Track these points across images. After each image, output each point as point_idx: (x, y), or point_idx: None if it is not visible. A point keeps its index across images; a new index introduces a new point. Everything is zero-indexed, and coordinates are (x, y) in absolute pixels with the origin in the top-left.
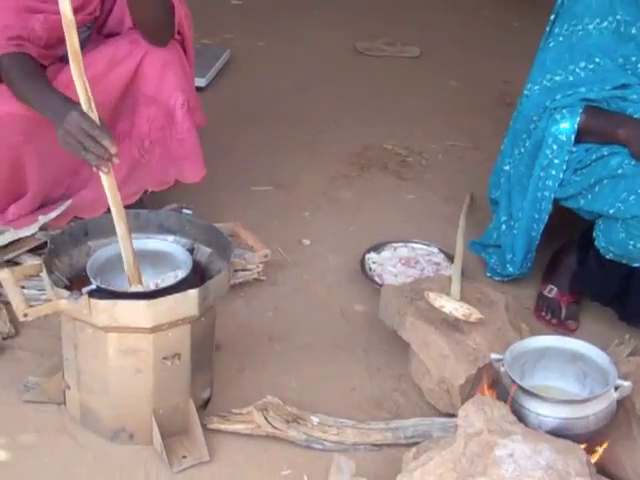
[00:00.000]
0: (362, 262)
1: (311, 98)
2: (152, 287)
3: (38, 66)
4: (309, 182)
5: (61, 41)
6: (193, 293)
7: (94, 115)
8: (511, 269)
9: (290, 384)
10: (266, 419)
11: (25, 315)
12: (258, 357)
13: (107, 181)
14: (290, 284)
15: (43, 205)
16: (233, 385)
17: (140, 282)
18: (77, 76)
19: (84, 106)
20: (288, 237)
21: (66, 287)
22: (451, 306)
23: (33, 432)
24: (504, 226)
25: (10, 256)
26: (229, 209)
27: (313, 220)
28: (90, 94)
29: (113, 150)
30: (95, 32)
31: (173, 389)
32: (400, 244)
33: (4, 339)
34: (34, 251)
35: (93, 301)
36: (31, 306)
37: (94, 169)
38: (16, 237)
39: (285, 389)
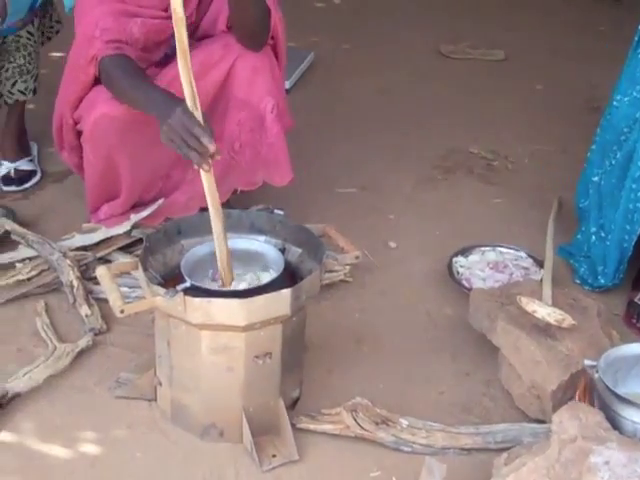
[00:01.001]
0: (449, 265)
1: (395, 101)
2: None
3: (138, 66)
4: (394, 185)
5: (158, 45)
6: (286, 293)
7: (198, 113)
8: (603, 281)
9: (378, 386)
10: (355, 420)
11: (122, 311)
12: (346, 359)
13: (207, 179)
14: (377, 286)
15: (135, 206)
16: (321, 386)
17: (232, 280)
18: (184, 72)
19: (189, 103)
20: (374, 239)
21: (160, 284)
22: (544, 311)
23: (125, 427)
24: (594, 237)
25: (102, 254)
26: (314, 210)
27: (398, 223)
28: (195, 91)
29: (212, 148)
30: (190, 37)
31: (263, 388)
32: (488, 248)
33: (96, 335)
34: (125, 249)
35: (188, 299)
36: (126, 303)
37: (195, 167)
38: (108, 235)
39: (373, 391)
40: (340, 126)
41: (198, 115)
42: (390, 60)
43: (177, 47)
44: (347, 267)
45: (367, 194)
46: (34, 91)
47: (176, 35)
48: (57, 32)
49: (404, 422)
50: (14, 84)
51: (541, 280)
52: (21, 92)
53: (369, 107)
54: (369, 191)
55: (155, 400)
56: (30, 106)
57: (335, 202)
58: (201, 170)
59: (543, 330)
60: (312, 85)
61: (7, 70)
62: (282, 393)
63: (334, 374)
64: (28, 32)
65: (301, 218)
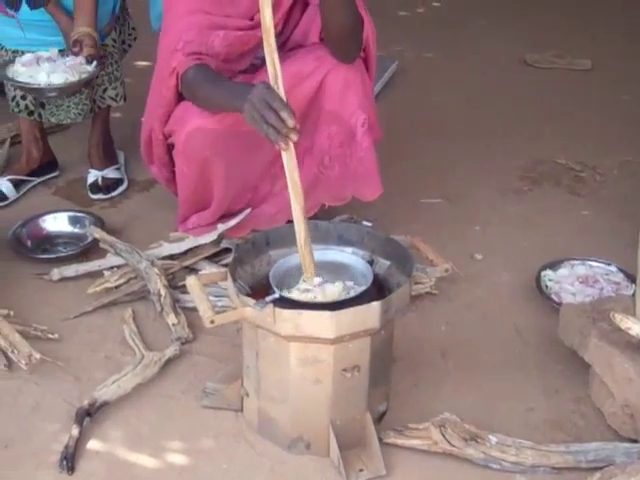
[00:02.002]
0: (537, 279)
1: (480, 110)
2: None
3: (218, 72)
4: (479, 195)
5: (240, 57)
6: (375, 305)
7: (280, 91)
8: None
9: (465, 401)
10: (443, 436)
11: (212, 322)
12: (432, 372)
13: (286, 158)
14: (463, 299)
15: (223, 217)
16: (408, 399)
17: (313, 271)
18: (268, 51)
19: (271, 80)
20: (459, 251)
21: (248, 295)
22: (639, 328)
23: (212, 438)
24: None
25: (188, 263)
26: (399, 221)
27: (484, 234)
28: (278, 69)
29: (290, 123)
30: (278, 46)
31: (351, 401)
32: (577, 262)
33: (183, 344)
34: (211, 258)
35: (278, 310)
36: (217, 313)
37: (275, 146)
38: (195, 244)
39: (460, 406)
40: (424, 135)
41: (280, 93)
42: (474, 69)
43: (262, 25)
44: (433, 279)
45: (452, 205)
46: (124, 98)
47: (261, 13)
48: (135, 39)
49: (493, 439)
50: (105, 90)
51: (633, 295)
52: (112, 99)
53: (453, 116)
54: (454, 201)
55: (241, 411)
56: (116, 115)
57: (419, 212)
58: (282, 150)
59: (637, 347)
60: (395, 94)
61: (97, 77)
62: (369, 407)
63: (420, 388)
64: (113, 39)
65: (385, 228)
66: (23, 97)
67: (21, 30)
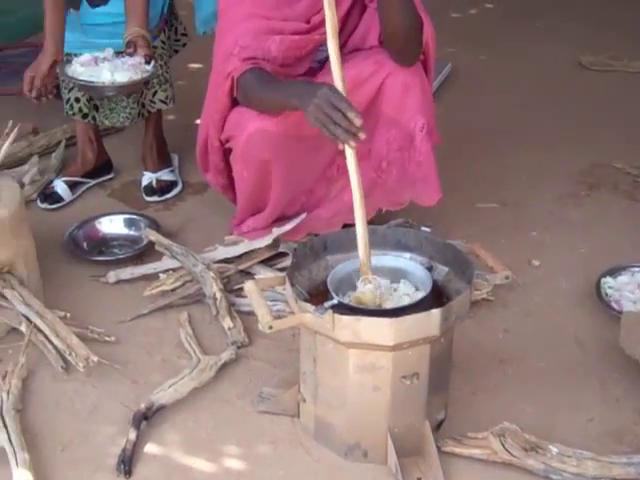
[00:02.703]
0: (597, 286)
1: (535, 113)
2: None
3: (273, 74)
4: (535, 200)
5: (297, 61)
6: (436, 313)
7: (345, 91)
8: None
9: (524, 410)
10: (503, 446)
11: (270, 327)
12: (490, 380)
13: (352, 158)
14: (520, 306)
15: (277, 221)
16: (466, 407)
17: (370, 270)
18: (333, 54)
19: (337, 83)
20: (516, 257)
21: (306, 300)
22: None
23: (269, 443)
24: None
25: (244, 266)
26: (454, 226)
27: (541, 240)
28: (342, 71)
29: (357, 122)
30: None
31: (409, 408)
32: (638, 269)
33: (238, 348)
34: (266, 262)
35: (337, 316)
36: (276, 318)
37: (340, 146)
38: (250, 248)
39: (519, 415)
40: (479, 139)
41: (344, 93)
42: (529, 71)
43: (327, 28)
44: (490, 285)
45: (508, 210)
46: (174, 100)
47: (327, 15)
48: (184, 45)
49: (554, 449)
50: (155, 94)
51: None
52: (162, 101)
53: (508, 120)
54: (510, 207)
55: (298, 416)
56: (169, 117)
57: (476, 217)
58: (346, 149)
59: None
60: (449, 97)
61: None
62: (428, 414)
63: (478, 396)
64: (162, 41)
65: (440, 233)
66: (77, 100)
67: (80, 32)
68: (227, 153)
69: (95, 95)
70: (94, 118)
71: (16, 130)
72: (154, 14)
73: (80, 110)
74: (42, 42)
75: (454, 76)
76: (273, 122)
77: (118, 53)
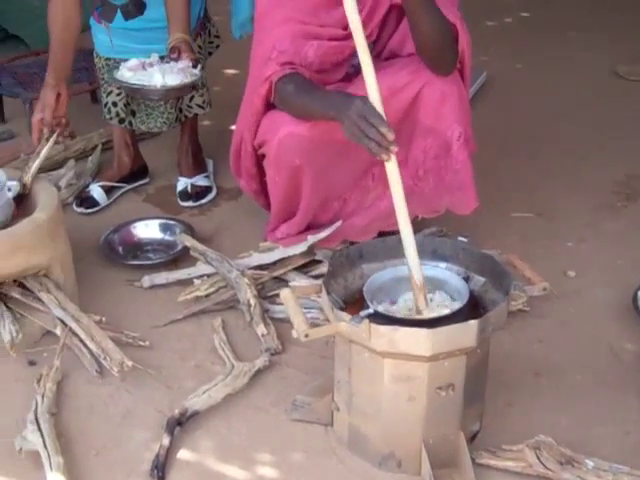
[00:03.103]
0: (634, 298)
1: (571, 123)
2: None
3: (312, 81)
4: (571, 210)
5: (335, 66)
6: (473, 324)
7: (379, 106)
8: None
9: (560, 423)
10: (538, 459)
11: (306, 336)
12: (525, 392)
13: (390, 168)
14: (556, 317)
15: (310, 227)
16: (501, 419)
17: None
18: (366, 66)
19: (371, 95)
20: (552, 267)
21: (341, 309)
22: None
23: (302, 451)
24: None
25: (278, 273)
26: (488, 235)
27: (577, 251)
28: (375, 82)
29: (390, 137)
30: (374, 55)
31: (444, 419)
32: None
33: (272, 355)
34: (300, 269)
35: (374, 326)
36: (312, 326)
37: (377, 157)
38: (285, 255)
39: (554, 427)
40: (514, 148)
41: (378, 108)
42: (564, 81)
43: (356, 44)
44: (526, 296)
45: (543, 219)
46: (210, 104)
47: (355, 40)
48: (217, 46)
49: (590, 463)
50: (192, 98)
51: None
52: (199, 106)
53: (544, 129)
54: (545, 216)
55: (331, 425)
56: (205, 123)
57: (510, 227)
58: (385, 162)
59: None
60: (485, 105)
61: None
62: (462, 426)
63: (513, 407)
64: (199, 46)
65: (476, 243)
66: (114, 104)
67: (112, 38)
68: (260, 158)
69: (146, 99)
70: (130, 123)
71: (55, 136)
72: (192, 18)
73: (117, 114)
74: (80, 47)
75: (489, 84)
76: (305, 127)
77: (161, 58)
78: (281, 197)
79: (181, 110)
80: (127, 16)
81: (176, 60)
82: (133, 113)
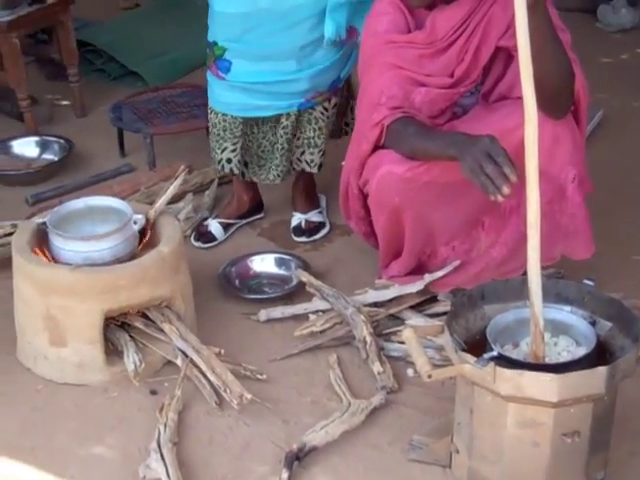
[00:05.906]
0: None
1: None
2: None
3: (425, 122)
4: None
5: (441, 112)
6: (602, 370)
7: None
8: None
9: None
10: None
11: (429, 376)
12: None
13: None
14: None
15: (419, 268)
16: (624, 469)
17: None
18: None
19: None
20: None
21: (464, 350)
22: None
23: None
24: None
25: (393, 311)
26: (609, 278)
27: None
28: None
29: (512, 178)
30: (482, 97)
31: (568, 467)
32: None
33: (388, 393)
34: (414, 308)
35: (499, 369)
36: (435, 367)
37: (490, 197)
38: (401, 293)
39: None
40: (632, 187)
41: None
42: None
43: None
44: None
45: None
46: (319, 166)
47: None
48: (346, 133)
49: None
50: (302, 153)
51: None
52: (307, 163)
53: None
54: None
55: (450, 467)
56: None
57: (630, 270)
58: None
59: None
60: (601, 144)
61: (298, 139)
62: (587, 474)
63: (637, 457)
64: (324, 107)
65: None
66: (229, 160)
67: (230, 92)
68: (367, 200)
69: None
70: (243, 174)
71: (184, 173)
72: (326, 78)
73: (231, 170)
74: (196, 84)
75: (606, 122)
76: (405, 167)
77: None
78: (385, 235)
79: (291, 162)
80: None
81: None
82: (246, 165)
